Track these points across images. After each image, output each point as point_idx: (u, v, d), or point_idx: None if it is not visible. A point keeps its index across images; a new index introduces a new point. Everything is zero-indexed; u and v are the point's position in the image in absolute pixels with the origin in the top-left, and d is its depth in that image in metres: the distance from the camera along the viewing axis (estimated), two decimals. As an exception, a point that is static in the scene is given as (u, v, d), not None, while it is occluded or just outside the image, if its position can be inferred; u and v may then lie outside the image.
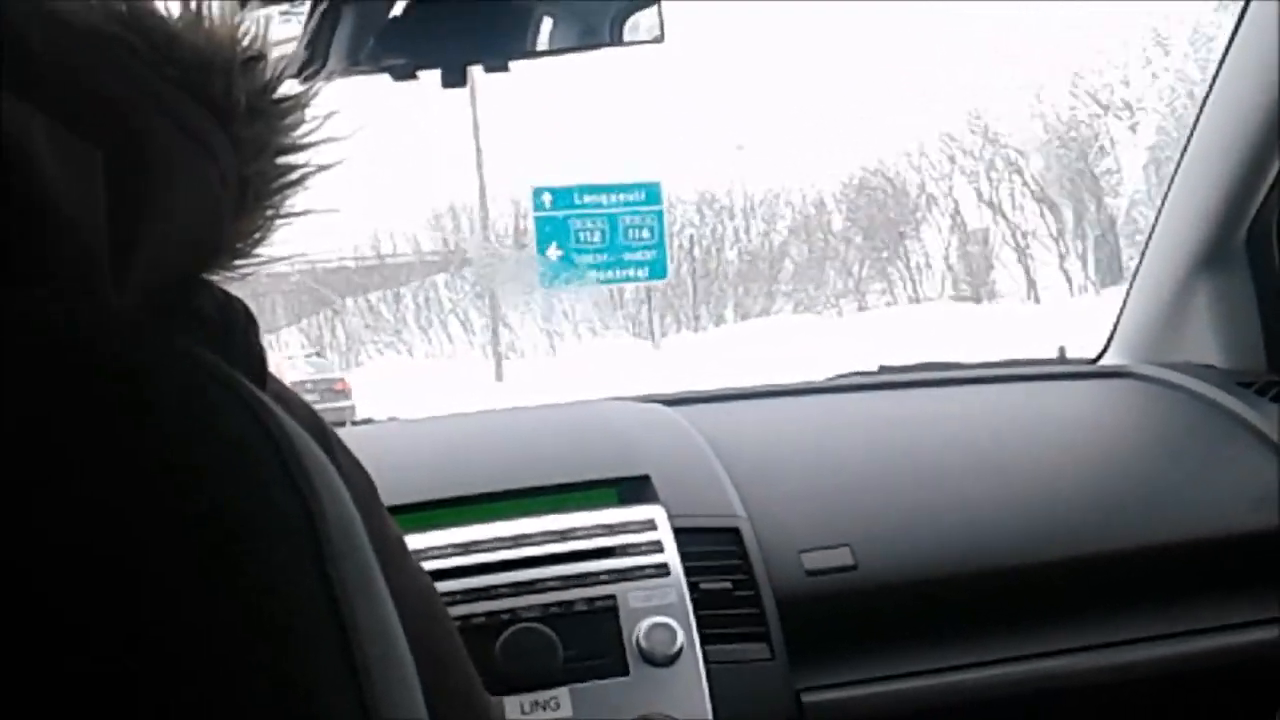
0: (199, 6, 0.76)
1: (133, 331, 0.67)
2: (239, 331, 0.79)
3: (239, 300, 0.80)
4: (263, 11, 0.80)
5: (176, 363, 0.67)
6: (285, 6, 1.16)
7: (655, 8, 1.49)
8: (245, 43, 0.78)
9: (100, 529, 0.60)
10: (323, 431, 0.83)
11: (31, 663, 0.57)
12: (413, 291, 21.72)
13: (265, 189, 0.80)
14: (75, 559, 0.59)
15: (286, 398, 0.81)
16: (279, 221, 0.82)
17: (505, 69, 1.47)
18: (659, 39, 1.50)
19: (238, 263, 0.81)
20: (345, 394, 12.10)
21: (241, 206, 0.78)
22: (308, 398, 0.87)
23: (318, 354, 14.92)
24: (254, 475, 0.66)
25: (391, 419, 2.19)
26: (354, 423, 2.12)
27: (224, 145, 0.75)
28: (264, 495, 0.66)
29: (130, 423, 0.63)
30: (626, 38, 1.52)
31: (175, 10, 0.76)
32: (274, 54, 0.80)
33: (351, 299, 21.46)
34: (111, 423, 0.62)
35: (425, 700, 0.74)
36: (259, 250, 0.82)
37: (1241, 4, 1.96)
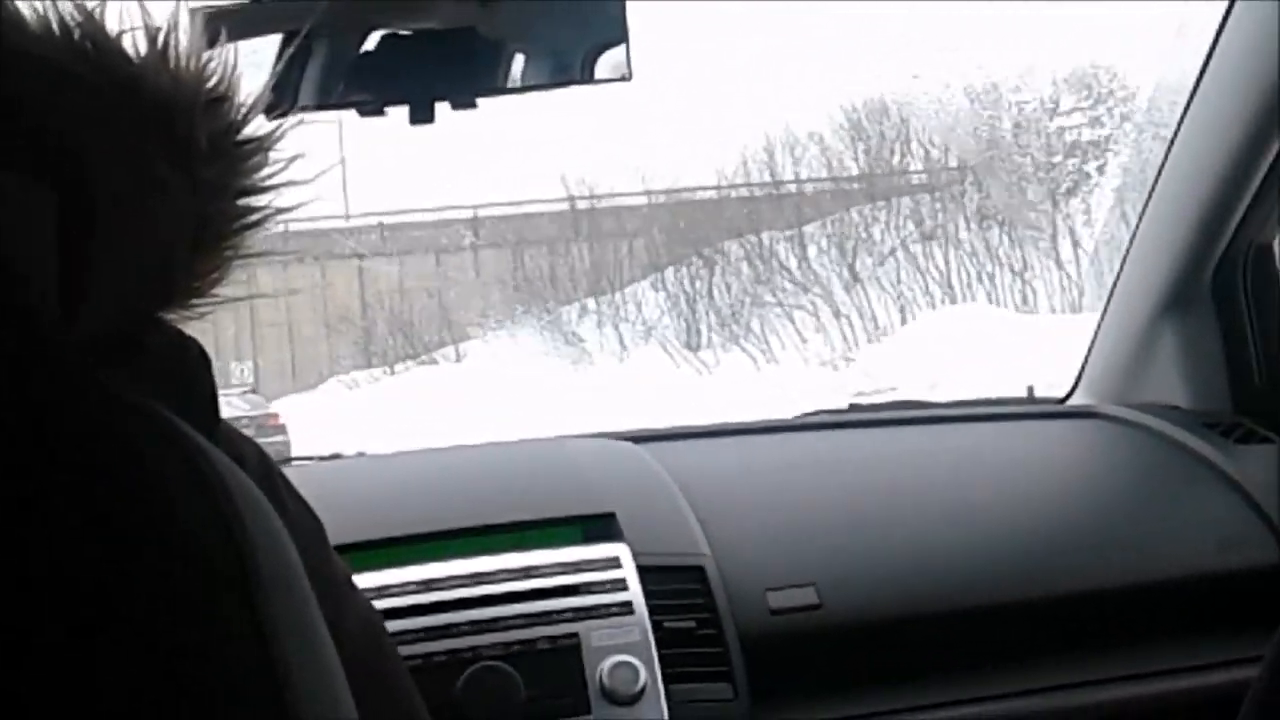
0: (165, 47, 0.76)
1: (69, 375, 0.67)
2: (192, 371, 0.79)
3: (193, 339, 0.80)
4: (230, 51, 0.80)
5: (111, 407, 0.67)
6: (253, 45, 1.17)
7: (623, 46, 1.50)
8: (210, 83, 0.78)
9: (24, 574, 0.60)
10: (269, 473, 0.83)
11: None
12: (825, 230, 14.53)
13: (225, 229, 0.80)
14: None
15: (234, 439, 0.81)
16: (238, 261, 0.82)
17: (473, 106, 1.48)
18: (626, 77, 1.51)
19: (194, 302, 0.81)
20: (280, 429, 11.68)
21: (200, 246, 0.78)
22: None
23: (252, 390, 13.63)
24: (185, 524, 0.66)
25: (359, 454, 2.19)
26: (321, 458, 2.11)
27: (182, 186, 0.75)
28: (195, 543, 0.66)
29: (60, 467, 0.63)
30: (597, 75, 1.53)
31: (143, 47, 0.76)
32: (239, 95, 0.80)
33: (735, 242, 14.80)
34: (40, 467, 0.62)
35: None
36: (216, 290, 0.82)
37: (1207, 48, 1.98)
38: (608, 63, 1.50)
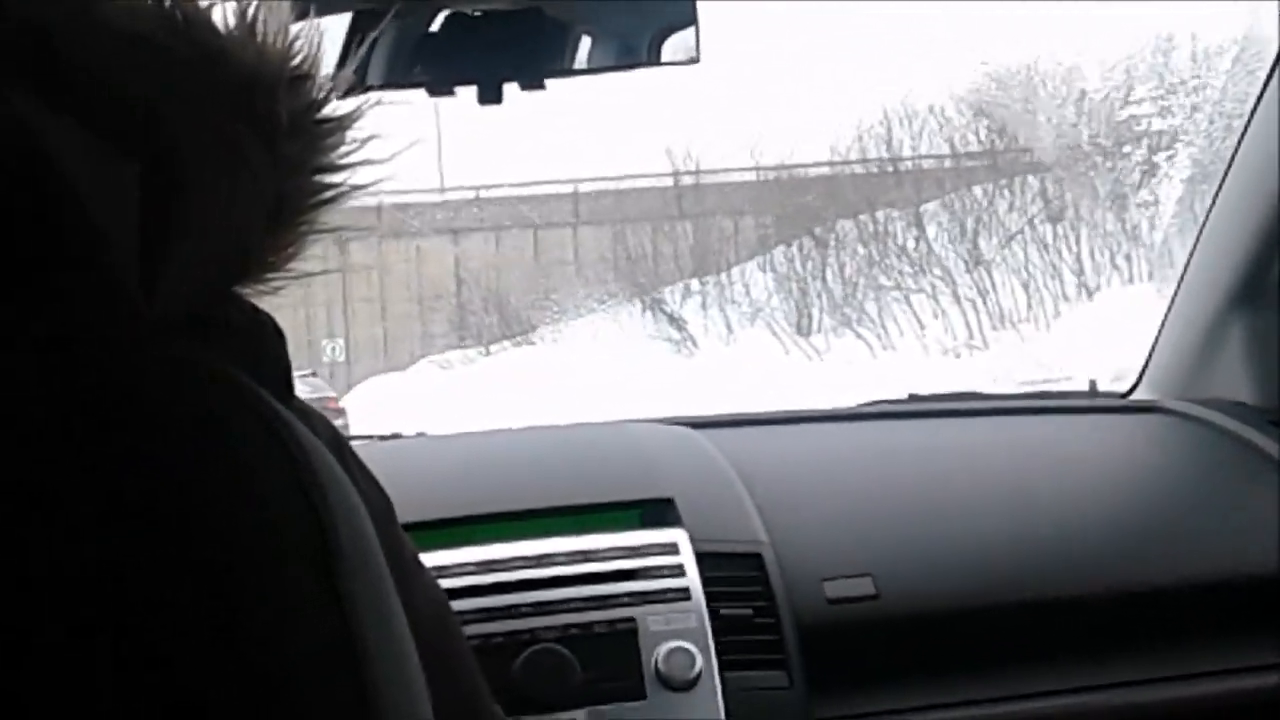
0: (252, 23, 0.76)
1: (150, 343, 0.67)
2: (268, 345, 0.79)
3: (267, 314, 0.81)
4: (314, 28, 0.80)
5: (193, 379, 0.68)
6: (321, 23, 1.17)
7: (692, 29, 1.49)
8: (295, 61, 0.78)
9: (106, 536, 0.61)
10: (340, 448, 0.83)
11: (39, 674, 0.58)
12: (946, 209, 13.42)
13: (301, 205, 0.80)
14: (80, 568, 0.60)
15: (309, 413, 0.81)
16: (313, 236, 0.82)
17: (542, 87, 1.48)
18: (694, 60, 1.50)
19: (270, 276, 0.81)
20: (340, 413, 11.38)
21: (276, 221, 0.78)
22: None
23: (313, 374, 12.07)
24: (266, 492, 0.66)
25: (419, 434, 2.19)
26: (381, 438, 2.12)
27: (263, 161, 0.75)
28: (276, 512, 0.66)
29: (141, 437, 0.64)
30: (664, 58, 1.53)
31: (231, 21, 0.76)
32: (320, 73, 0.80)
33: (849, 221, 13.63)
34: (122, 437, 0.63)
35: (435, 716, 0.74)
36: (292, 264, 0.82)
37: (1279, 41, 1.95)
38: (676, 45, 1.50)
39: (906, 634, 1.72)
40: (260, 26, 0.76)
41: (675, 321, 14.31)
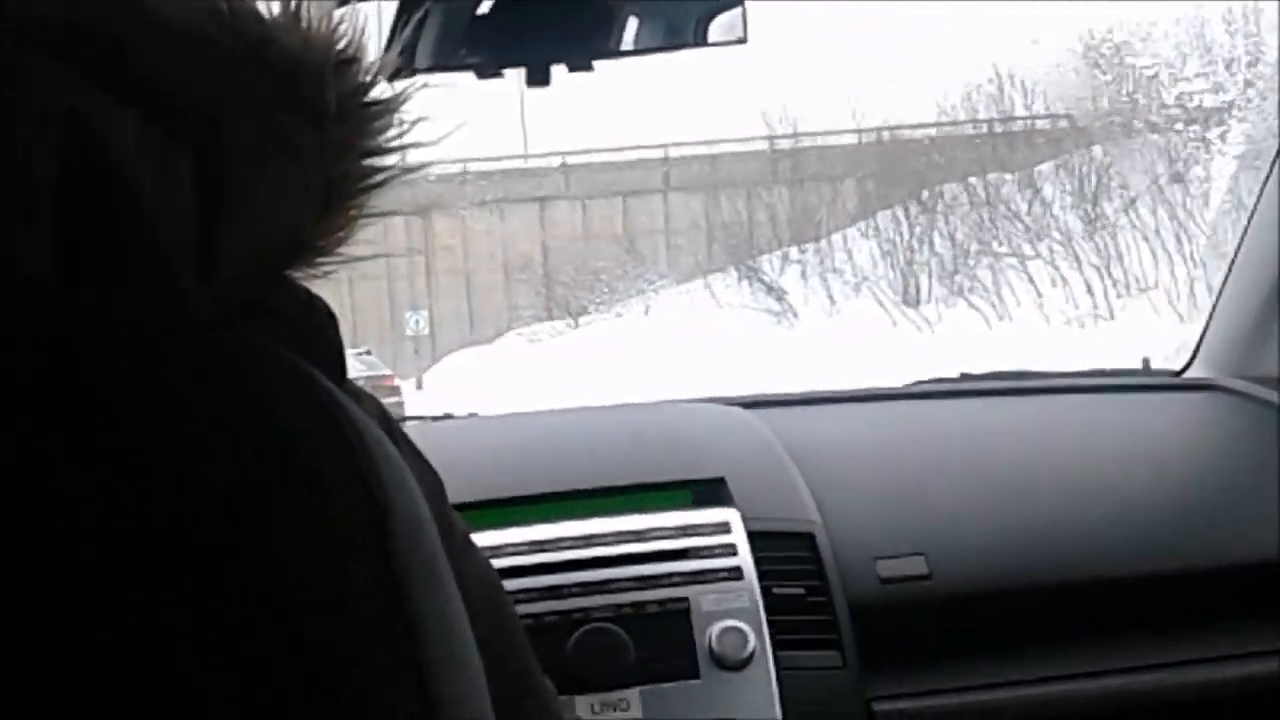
0: (297, 9, 0.77)
1: (205, 330, 0.68)
2: (320, 328, 0.80)
3: (319, 298, 0.81)
4: (358, 13, 0.80)
5: (249, 360, 0.68)
6: (369, 8, 1.18)
7: (740, 9, 1.49)
8: (340, 46, 0.78)
9: (164, 521, 0.61)
10: (390, 428, 0.83)
11: (94, 659, 0.58)
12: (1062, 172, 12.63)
13: (350, 189, 0.80)
14: (136, 550, 0.60)
15: (360, 395, 0.82)
16: (362, 221, 0.83)
17: (589, 69, 1.48)
18: (742, 40, 1.50)
19: (320, 261, 0.82)
20: (395, 391, 11.27)
21: (326, 206, 0.79)
22: None
23: (367, 352, 11.64)
24: (323, 473, 0.67)
25: (471, 415, 2.21)
26: (434, 418, 2.14)
27: (311, 147, 0.76)
28: (333, 492, 0.66)
29: (199, 419, 0.64)
30: (711, 38, 1.53)
31: (275, 7, 0.77)
32: (368, 57, 0.81)
33: (958, 185, 12.99)
34: (180, 420, 0.64)
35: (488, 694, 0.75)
36: (341, 249, 0.83)
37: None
38: (723, 24, 1.50)
39: (958, 613, 1.72)
40: (304, 12, 0.77)
41: (774, 292, 13.77)
